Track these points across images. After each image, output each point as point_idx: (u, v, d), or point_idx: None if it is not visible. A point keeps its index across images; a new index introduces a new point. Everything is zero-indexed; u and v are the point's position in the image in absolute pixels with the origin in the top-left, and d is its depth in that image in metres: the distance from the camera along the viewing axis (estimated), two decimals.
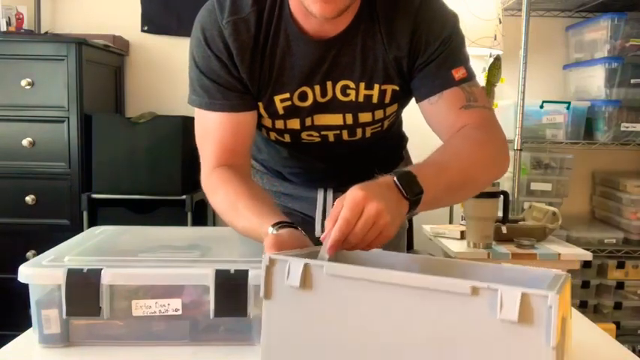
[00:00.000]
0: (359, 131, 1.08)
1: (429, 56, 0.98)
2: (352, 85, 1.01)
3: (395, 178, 0.78)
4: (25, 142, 2.25)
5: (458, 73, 0.98)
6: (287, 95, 1.01)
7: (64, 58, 2.23)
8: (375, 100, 1.03)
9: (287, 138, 1.09)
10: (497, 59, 2.49)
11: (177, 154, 2.26)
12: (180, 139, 2.27)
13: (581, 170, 2.74)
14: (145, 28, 2.72)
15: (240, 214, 0.93)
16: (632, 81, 2.40)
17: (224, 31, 0.97)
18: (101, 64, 2.49)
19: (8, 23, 2.46)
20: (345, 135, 1.08)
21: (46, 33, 2.54)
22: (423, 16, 0.98)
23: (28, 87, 2.23)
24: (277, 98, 1.02)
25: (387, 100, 1.04)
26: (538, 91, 2.70)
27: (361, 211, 0.71)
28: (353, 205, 0.71)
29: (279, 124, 1.06)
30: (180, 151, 2.26)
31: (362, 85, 1.01)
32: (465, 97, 0.98)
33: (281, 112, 1.03)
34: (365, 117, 1.05)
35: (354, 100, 1.03)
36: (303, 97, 1.02)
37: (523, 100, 2.35)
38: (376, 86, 1.02)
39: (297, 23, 0.97)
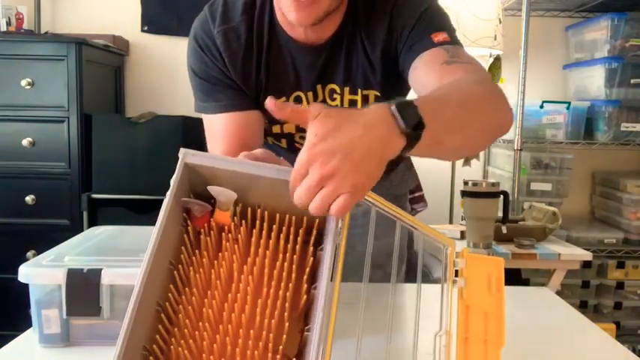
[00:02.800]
0: None
1: (407, 35, 0.97)
2: (338, 89, 1.03)
3: (392, 107, 0.61)
4: (25, 142, 2.25)
5: (438, 37, 0.94)
6: (283, 99, 1.03)
7: (64, 58, 2.23)
8: (359, 106, 1.04)
9: (283, 143, 1.11)
10: (497, 59, 2.49)
11: (177, 154, 2.26)
12: (180, 139, 2.27)
13: (581, 170, 2.74)
14: (145, 28, 2.72)
15: None
16: (632, 81, 2.40)
17: (216, 40, 0.99)
18: (101, 64, 2.49)
19: (8, 23, 2.46)
20: None
21: (46, 33, 2.54)
22: (397, 5, 0.98)
23: (28, 87, 2.23)
24: None
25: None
26: (538, 91, 2.70)
27: (307, 173, 0.57)
28: (297, 163, 0.58)
29: (276, 128, 1.08)
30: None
31: (346, 89, 1.03)
32: (447, 55, 0.91)
33: None
34: None
35: (339, 105, 1.04)
36: (297, 101, 1.04)
37: (523, 100, 2.35)
38: (359, 91, 1.03)
39: (286, 32, 1.00)
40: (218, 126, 1.04)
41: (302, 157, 0.57)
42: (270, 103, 0.60)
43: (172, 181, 0.65)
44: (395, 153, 0.61)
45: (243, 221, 0.67)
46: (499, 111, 0.82)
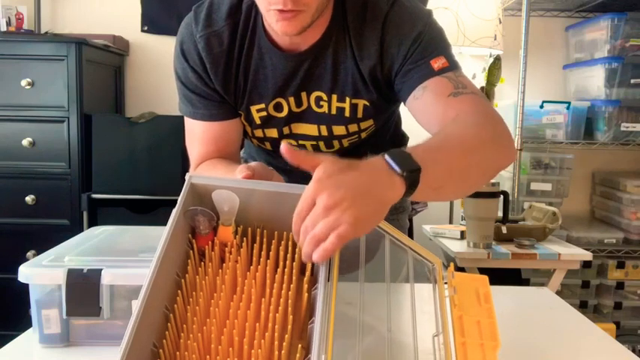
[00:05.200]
0: (335, 143, 1.08)
1: (404, 57, 0.96)
2: (325, 97, 1.02)
3: (385, 156, 0.67)
4: (25, 142, 2.25)
5: (437, 63, 0.94)
6: (262, 106, 1.03)
7: (64, 58, 2.23)
8: (347, 113, 1.03)
9: (268, 146, 1.11)
10: (497, 59, 2.49)
11: (178, 154, 2.26)
12: (180, 139, 2.24)
13: (581, 170, 2.74)
14: (145, 28, 2.72)
15: (218, 174, 0.95)
16: (632, 81, 2.40)
17: (198, 45, 0.99)
18: (101, 64, 2.50)
19: (8, 23, 2.46)
20: (322, 146, 1.09)
21: (46, 33, 2.54)
22: (390, 20, 0.96)
23: (28, 87, 2.23)
24: (253, 109, 1.04)
25: (360, 115, 1.03)
26: (538, 91, 2.70)
27: (313, 205, 0.61)
28: (304, 196, 0.62)
29: (258, 132, 1.08)
30: (181, 151, 2.26)
31: (334, 97, 1.02)
32: (452, 85, 0.92)
33: (258, 121, 1.06)
34: (339, 130, 1.05)
35: (326, 112, 1.03)
36: (278, 107, 1.04)
37: (523, 100, 2.35)
38: (347, 99, 1.02)
39: (270, 37, 0.99)
40: (196, 130, 1.07)
41: (309, 189, 0.62)
42: (284, 149, 0.65)
43: (179, 199, 0.69)
44: (397, 196, 0.65)
45: (244, 238, 0.72)
46: (499, 152, 0.85)
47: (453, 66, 0.95)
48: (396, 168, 0.65)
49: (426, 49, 0.95)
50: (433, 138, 0.80)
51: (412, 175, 0.66)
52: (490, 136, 0.85)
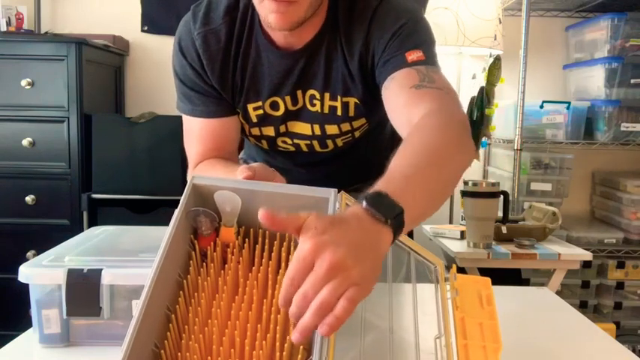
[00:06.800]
0: (329, 142, 1.09)
1: (383, 49, 0.96)
2: (318, 95, 1.03)
3: (364, 205, 0.59)
4: (25, 142, 2.25)
5: (412, 56, 0.93)
6: (259, 103, 1.04)
7: (64, 58, 2.23)
8: (339, 112, 1.03)
9: (264, 144, 1.11)
10: (498, 59, 2.49)
11: (177, 154, 2.26)
12: (180, 139, 2.24)
13: (581, 170, 2.74)
14: (145, 28, 2.72)
15: (217, 174, 0.96)
16: (632, 81, 2.40)
17: (196, 42, 1.00)
18: (101, 64, 2.49)
19: (8, 23, 2.46)
20: (316, 146, 1.10)
21: (46, 33, 2.54)
22: (377, 16, 0.97)
23: (28, 87, 2.23)
24: (250, 106, 1.05)
25: (352, 113, 1.04)
26: (538, 91, 2.70)
27: (310, 267, 0.52)
28: (298, 257, 0.52)
29: (255, 131, 1.08)
30: (181, 151, 2.25)
31: (326, 95, 1.02)
32: (418, 78, 0.90)
33: (254, 120, 1.06)
34: (332, 129, 1.06)
35: (319, 110, 1.04)
36: (274, 106, 1.04)
37: (523, 100, 2.35)
38: (339, 97, 1.02)
39: (267, 35, 1.00)
40: (194, 128, 1.08)
41: (304, 249, 0.52)
42: (262, 216, 0.56)
43: (181, 200, 0.69)
44: (388, 243, 0.59)
45: (246, 239, 0.72)
46: (465, 156, 0.80)
47: (428, 60, 0.93)
48: (380, 217, 0.58)
49: (405, 41, 0.95)
50: (403, 158, 0.73)
51: (397, 220, 0.60)
52: (455, 140, 0.80)
